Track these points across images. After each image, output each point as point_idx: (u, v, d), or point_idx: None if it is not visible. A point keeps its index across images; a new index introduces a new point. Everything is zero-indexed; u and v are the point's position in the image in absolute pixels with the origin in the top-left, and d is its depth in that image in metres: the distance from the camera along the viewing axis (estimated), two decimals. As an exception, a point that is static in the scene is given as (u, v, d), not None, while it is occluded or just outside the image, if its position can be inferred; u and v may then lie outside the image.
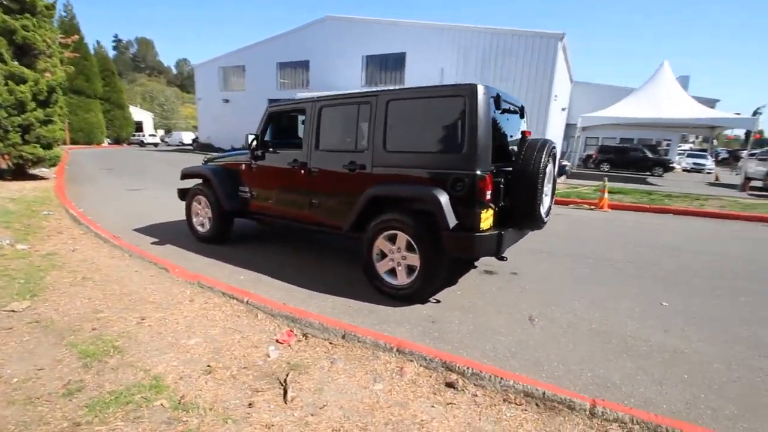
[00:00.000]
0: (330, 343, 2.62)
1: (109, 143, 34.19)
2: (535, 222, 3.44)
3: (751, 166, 16.05)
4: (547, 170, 3.45)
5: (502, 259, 3.33)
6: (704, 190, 13.16)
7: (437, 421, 1.90)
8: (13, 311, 2.84)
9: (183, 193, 5.35)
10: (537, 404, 2.01)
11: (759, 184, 14.87)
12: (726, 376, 2.43)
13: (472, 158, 3.06)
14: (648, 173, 20.44)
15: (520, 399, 2.04)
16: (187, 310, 3.04)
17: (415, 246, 3.29)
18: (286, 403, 2.00)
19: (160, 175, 13.40)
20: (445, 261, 3.28)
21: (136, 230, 5.66)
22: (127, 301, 3.16)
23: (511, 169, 3.41)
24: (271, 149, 4.46)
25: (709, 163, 24.73)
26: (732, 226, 7.42)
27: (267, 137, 4.59)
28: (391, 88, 3.56)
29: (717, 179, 18.99)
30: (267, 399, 2.03)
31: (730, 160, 32.92)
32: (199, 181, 5.16)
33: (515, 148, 3.59)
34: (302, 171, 4.08)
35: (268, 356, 2.45)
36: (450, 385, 2.17)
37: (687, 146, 35.95)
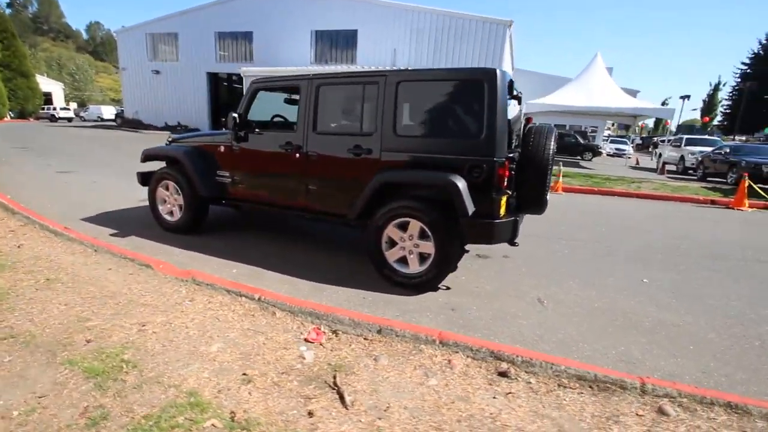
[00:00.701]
0: (365, 339, 2.51)
1: (11, 117, 29.51)
2: (542, 207, 3.55)
3: (666, 151, 18.12)
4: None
5: (514, 244, 3.40)
6: (631, 173, 14.62)
7: (505, 412, 1.91)
8: (-30, 326, 2.34)
9: (145, 178, 4.76)
10: (591, 386, 2.09)
11: (673, 168, 16.85)
12: (722, 345, 2.73)
13: (491, 144, 3.04)
14: (579, 158, 22.19)
15: (574, 383, 2.11)
16: (192, 311, 2.72)
17: (429, 234, 3.24)
18: (346, 408, 1.88)
19: (89, 154, 11.88)
20: (459, 248, 3.27)
21: (86, 220, 4.97)
22: (114, 305, 2.75)
23: (517, 155, 3.46)
24: (257, 130, 4.08)
25: (628, 148, 27.47)
26: (668, 207, 8.32)
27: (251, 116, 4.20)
28: (401, 68, 3.37)
29: (637, 163, 21.19)
30: (324, 405, 1.89)
31: (645, 146, 37.00)
32: (164, 164, 4.62)
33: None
34: (297, 155, 3.79)
35: (303, 358, 2.29)
36: (503, 374, 2.18)
37: (606, 133, 39.61)
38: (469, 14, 18.95)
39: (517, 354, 2.27)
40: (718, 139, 20.67)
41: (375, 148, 3.43)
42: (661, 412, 1.93)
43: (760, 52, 41.83)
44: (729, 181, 11.78)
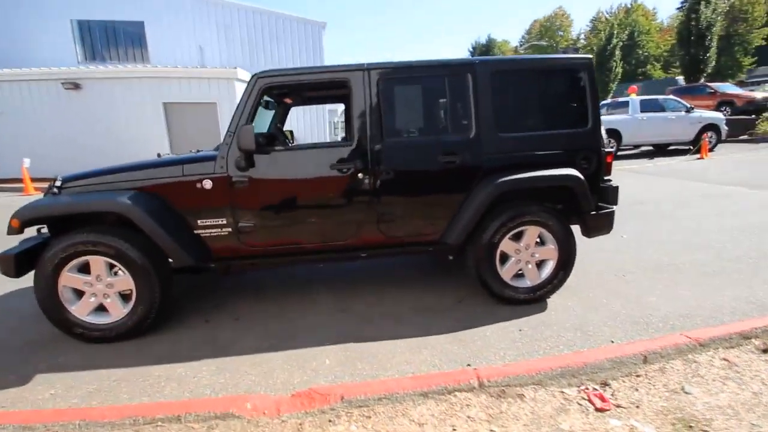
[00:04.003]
0: (640, 376, 2.06)
1: None
2: None
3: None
4: None
5: None
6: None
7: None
8: None
9: (24, 261, 2.57)
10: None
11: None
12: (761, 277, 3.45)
13: (597, 133, 2.97)
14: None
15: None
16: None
17: (551, 237, 2.94)
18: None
19: None
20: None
21: None
22: None
23: None
24: (279, 148, 2.75)
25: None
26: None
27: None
28: (490, 57, 2.88)
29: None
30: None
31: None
32: (80, 230, 2.60)
33: None
34: (360, 175, 2.76)
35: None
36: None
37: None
38: (283, 12, 18.07)
39: None
40: None
41: (474, 152, 2.83)
42: None
43: None
44: None
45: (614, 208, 3.05)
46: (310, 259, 2.96)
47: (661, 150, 13.13)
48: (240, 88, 13.89)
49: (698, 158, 10.83)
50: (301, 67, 2.82)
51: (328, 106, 17.04)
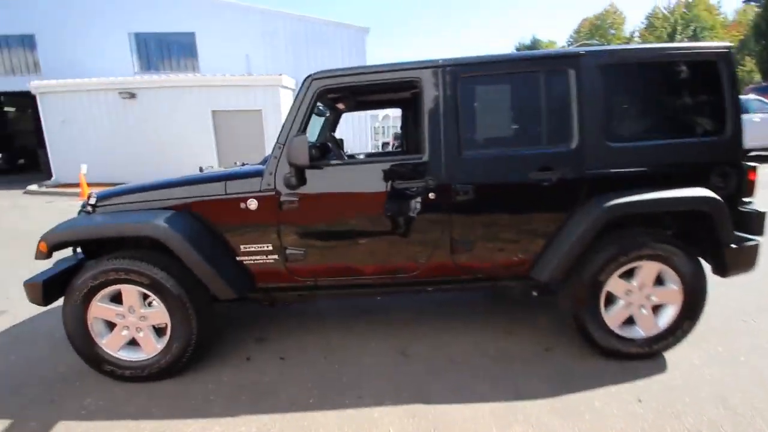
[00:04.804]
0: None
1: None
2: None
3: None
4: None
5: None
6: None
7: None
8: None
9: (52, 288, 2.29)
10: None
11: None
12: None
13: (738, 143, 2.30)
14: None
15: None
16: None
17: (674, 276, 2.29)
18: None
19: None
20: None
21: None
22: None
23: None
24: (335, 161, 2.33)
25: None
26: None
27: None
28: (599, 47, 2.29)
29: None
30: None
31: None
32: (112, 256, 2.29)
33: None
34: (430, 194, 2.26)
35: None
36: None
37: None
38: (326, 19, 18.10)
39: None
40: None
41: (575, 167, 2.25)
42: None
43: None
44: None
45: (759, 240, 2.35)
46: (367, 292, 2.51)
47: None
48: (285, 95, 13.91)
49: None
50: (360, 66, 2.38)
51: (370, 111, 16.72)
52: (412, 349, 2.62)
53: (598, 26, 48.92)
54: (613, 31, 48.80)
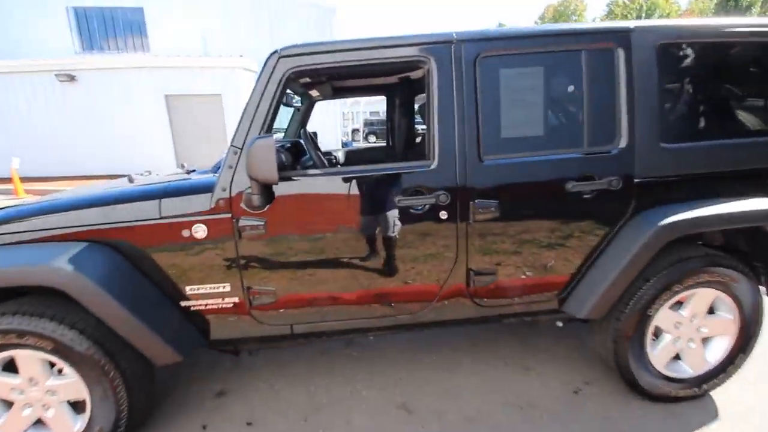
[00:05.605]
0: None
1: None
2: None
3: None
4: None
5: None
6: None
7: None
8: None
9: None
10: None
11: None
12: None
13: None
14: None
15: None
16: None
17: (731, 304, 1.90)
18: None
19: None
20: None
21: None
22: None
23: None
24: (314, 171, 1.73)
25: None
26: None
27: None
28: (654, 22, 1.78)
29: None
30: None
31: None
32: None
33: None
34: (442, 213, 1.72)
35: None
36: None
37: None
38: (289, -5, 16.87)
39: None
40: None
41: (623, 173, 1.77)
42: None
43: None
44: None
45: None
46: (356, 337, 1.96)
47: None
48: (248, 78, 12.85)
49: None
50: (343, 41, 1.78)
51: (350, 98, 15.84)
52: (415, 401, 2.11)
53: (561, 12, 49.38)
54: (575, 18, 49.47)
